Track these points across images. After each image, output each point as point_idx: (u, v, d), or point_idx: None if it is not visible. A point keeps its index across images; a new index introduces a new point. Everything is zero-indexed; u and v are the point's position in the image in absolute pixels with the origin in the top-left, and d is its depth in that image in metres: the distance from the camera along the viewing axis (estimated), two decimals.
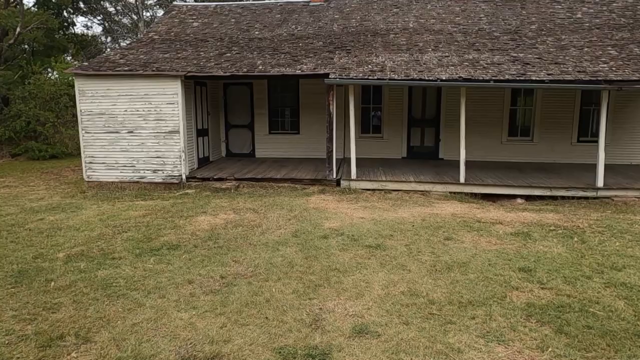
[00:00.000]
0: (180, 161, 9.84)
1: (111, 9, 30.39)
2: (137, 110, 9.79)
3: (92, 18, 28.99)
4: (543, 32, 10.89)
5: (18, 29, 18.66)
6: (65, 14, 28.23)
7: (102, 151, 10.04)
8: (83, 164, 10.23)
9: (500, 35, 10.94)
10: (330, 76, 8.76)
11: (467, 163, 11.19)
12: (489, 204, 8.77)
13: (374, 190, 9.22)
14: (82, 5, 29.07)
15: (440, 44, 10.51)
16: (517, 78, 8.25)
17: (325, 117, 11.30)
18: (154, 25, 13.55)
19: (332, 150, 9.39)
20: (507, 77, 8.31)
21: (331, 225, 6.23)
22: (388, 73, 8.76)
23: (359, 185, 9.31)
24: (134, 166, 10.00)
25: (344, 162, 11.12)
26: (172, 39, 12.19)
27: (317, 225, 6.23)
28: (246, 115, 12.47)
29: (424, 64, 9.24)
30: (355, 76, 8.68)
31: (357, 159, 9.44)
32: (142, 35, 12.82)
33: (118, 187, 10.09)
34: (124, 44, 25.47)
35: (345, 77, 8.68)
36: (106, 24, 30.23)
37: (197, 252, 5.16)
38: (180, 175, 9.89)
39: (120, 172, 10.06)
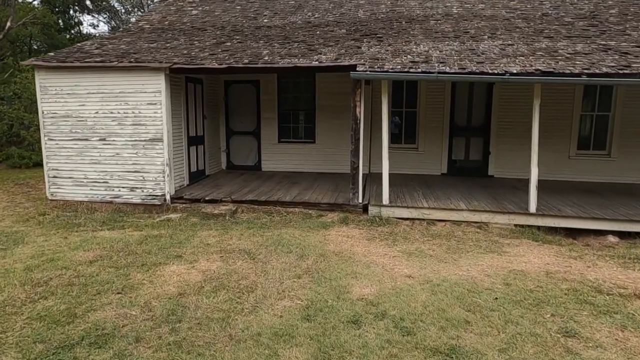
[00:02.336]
0: (164, 177, 7.73)
1: (119, 7, 28.92)
2: (111, 112, 7.73)
3: (96, 16, 27.46)
4: (629, 17, 8.51)
5: (8, 24, 17.02)
6: (71, 12, 26.88)
7: (69, 163, 8.00)
8: (46, 179, 8.21)
9: (574, 20, 8.59)
10: (357, 69, 6.56)
11: (523, 182, 8.87)
12: (569, 241, 6.45)
13: (412, 220, 6.95)
14: (88, 3, 27.61)
15: (497, 30, 8.21)
16: (620, 71, 5.90)
17: (347, 123, 9.11)
18: (146, 14, 11.59)
19: (358, 167, 7.16)
20: (605, 70, 5.97)
21: (363, 293, 3.98)
22: (436, 65, 6.51)
23: (393, 213, 7.05)
24: (107, 182, 7.94)
25: (369, 179, 8.88)
26: (165, 28, 10.18)
27: (341, 292, 3.99)
28: (251, 119, 10.34)
29: (482, 53, 6.96)
30: (392, 68, 6.45)
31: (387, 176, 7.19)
32: (130, 25, 10.83)
33: (88, 208, 8.02)
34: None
35: (378, 69, 6.46)
36: (113, 23, 28.73)
37: (134, 357, 2.97)
38: (164, 194, 7.77)
39: (91, 190, 8.01)
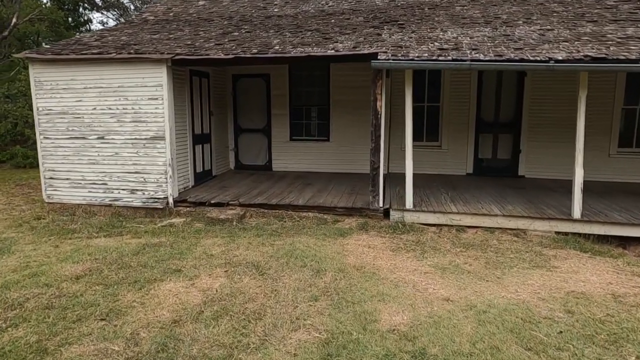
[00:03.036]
0: (166, 178, 7.12)
1: (128, 4, 28.56)
2: (109, 109, 7.14)
3: (105, 13, 27.14)
4: None
5: (14, 20, 16.64)
6: (81, 9, 26.65)
7: (66, 163, 7.45)
8: (42, 180, 7.67)
9: (617, 3, 7.74)
10: (379, 57, 5.85)
11: (558, 183, 8.10)
12: (619, 252, 5.67)
13: (439, 226, 6.23)
14: (97, 0, 27.32)
15: (532, 15, 7.42)
16: None
17: (364, 120, 8.47)
18: (151, 5, 11.00)
19: (378, 167, 6.46)
20: None
21: (395, 322, 3.29)
22: (467, 52, 5.76)
23: (418, 218, 6.34)
24: (105, 184, 7.36)
25: (388, 179, 8.16)
26: (170, 19, 9.58)
27: (367, 321, 3.31)
28: (261, 116, 9.69)
29: (519, 39, 6.19)
30: (418, 57, 5.73)
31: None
32: (134, 17, 10.26)
33: (86, 212, 7.46)
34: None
35: (402, 57, 5.74)
36: (123, 20, 28.38)
37: None
38: (166, 197, 7.17)
39: (89, 192, 7.44)
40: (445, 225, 6.26)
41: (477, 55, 5.65)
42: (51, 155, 7.48)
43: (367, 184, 6.89)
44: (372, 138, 6.37)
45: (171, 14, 10.01)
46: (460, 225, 6.23)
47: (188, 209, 7.13)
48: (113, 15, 27.99)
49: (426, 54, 5.79)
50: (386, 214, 6.52)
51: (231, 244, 5.44)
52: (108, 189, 7.36)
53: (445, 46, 6.05)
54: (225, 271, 4.47)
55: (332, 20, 8.17)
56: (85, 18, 26.84)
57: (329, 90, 9.20)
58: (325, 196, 7.21)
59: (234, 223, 6.50)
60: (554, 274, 4.31)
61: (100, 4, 27.33)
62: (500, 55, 5.55)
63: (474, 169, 9.04)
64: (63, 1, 23.87)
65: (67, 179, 7.49)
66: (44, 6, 20.57)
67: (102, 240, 5.92)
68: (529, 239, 5.80)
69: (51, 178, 7.56)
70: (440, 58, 5.64)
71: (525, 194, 7.38)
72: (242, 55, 6.49)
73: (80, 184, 7.45)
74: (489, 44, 6.07)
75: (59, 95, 7.27)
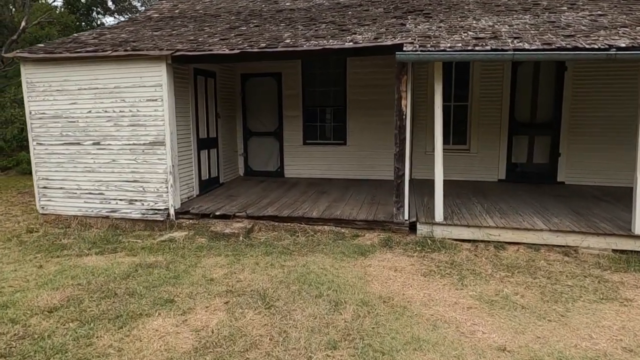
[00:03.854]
0: (167, 187, 6.46)
1: (141, 8, 28.37)
2: (105, 111, 6.52)
3: (118, 17, 26.94)
4: None
5: (23, 23, 16.36)
6: (94, 14, 26.54)
7: (60, 171, 6.85)
8: (35, 190, 7.09)
9: None
10: (404, 48, 5.06)
11: (604, 190, 7.21)
12: None
13: (474, 242, 5.40)
14: (110, 4, 27.17)
15: (578, 0, 6.55)
16: None
17: (383, 121, 7.71)
18: (157, 3, 10.42)
19: (403, 174, 5.67)
20: None
21: None
22: (509, 41, 4.94)
23: (449, 232, 5.52)
24: (102, 194, 6.73)
25: (412, 187, 7.33)
26: (176, 16, 8.96)
27: None
28: (272, 118, 8.99)
29: (568, 26, 5.33)
30: (451, 47, 4.92)
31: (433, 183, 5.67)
32: (137, 15, 9.69)
33: (81, 224, 6.87)
34: None
35: (432, 48, 4.94)
36: None
37: None
38: (167, 208, 6.49)
39: (85, 202, 6.82)
40: (481, 241, 5.43)
41: (520, 44, 4.82)
42: (45, 163, 6.90)
43: (388, 192, 6.12)
44: (396, 142, 5.58)
45: (177, 10, 9.40)
46: (499, 242, 5.39)
47: (191, 221, 6.44)
48: (125, 19, 27.81)
49: (460, 44, 4.98)
50: (412, 227, 5.72)
51: (235, 265, 4.73)
52: (105, 199, 6.73)
53: (482, 35, 5.24)
54: (226, 302, 3.74)
55: (349, 12, 7.42)
56: (99, 22, 26.72)
57: (346, 89, 8.45)
58: (343, 207, 6.45)
59: (240, 238, 5.78)
60: (631, 310, 3.46)
61: (112, 8, 27.18)
62: (549, 44, 4.71)
63: (506, 174, 8.15)
64: (76, 6, 23.73)
65: (62, 188, 6.89)
66: (55, 10, 20.37)
67: (92, 258, 5.27)
68: (582, 259, 4.94)
69: (45, 187, 6.97)
70: (477, 48, 4.83)
71: (570, 203, 6.49)
72: (249, 50, 5.78)
73: (75, 193, 6.84)
74: (532, 31, 5.23)
75: (52, 97, 6.68)
